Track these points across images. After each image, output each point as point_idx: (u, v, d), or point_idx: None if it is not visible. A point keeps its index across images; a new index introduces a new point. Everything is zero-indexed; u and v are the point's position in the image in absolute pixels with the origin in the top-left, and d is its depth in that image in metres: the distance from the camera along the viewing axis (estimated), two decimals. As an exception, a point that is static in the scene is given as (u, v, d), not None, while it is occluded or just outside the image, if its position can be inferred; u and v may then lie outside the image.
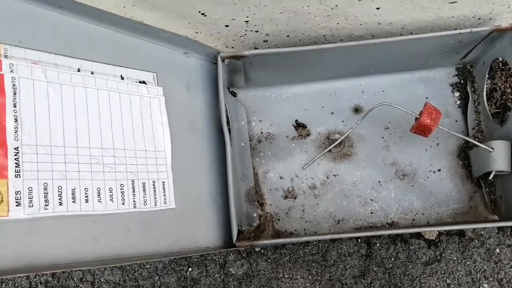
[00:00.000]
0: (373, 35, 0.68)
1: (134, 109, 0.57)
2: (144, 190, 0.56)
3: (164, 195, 0.58)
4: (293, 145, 0.76)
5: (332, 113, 0.77)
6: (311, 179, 0.75)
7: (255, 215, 0.74)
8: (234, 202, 0.64)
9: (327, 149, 0.74)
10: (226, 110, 0.68)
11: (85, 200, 0.50)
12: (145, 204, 0.55)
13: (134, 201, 0.54)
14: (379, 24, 0.64)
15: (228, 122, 0.68)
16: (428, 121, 0.64)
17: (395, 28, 0.66)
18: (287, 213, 0.75)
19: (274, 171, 0.76)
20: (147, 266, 0.72)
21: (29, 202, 0.46)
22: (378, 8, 0.60)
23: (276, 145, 0.76)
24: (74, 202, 0.49)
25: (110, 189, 0.52)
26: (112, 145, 0.54)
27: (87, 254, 0.50)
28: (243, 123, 0.76)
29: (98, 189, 0.51)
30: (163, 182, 0.58)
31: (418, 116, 0.65)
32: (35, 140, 0.47)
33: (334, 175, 0.75)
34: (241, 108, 0.77)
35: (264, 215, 0.75)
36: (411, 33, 0.68)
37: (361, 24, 0.64)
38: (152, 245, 0.55)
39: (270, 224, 0.75)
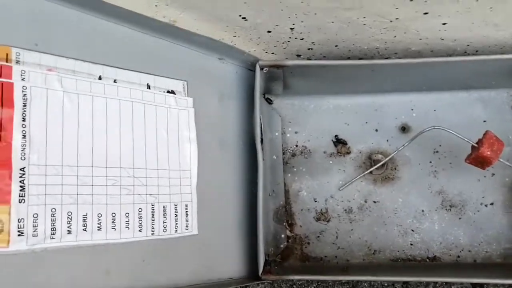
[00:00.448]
0: (432, 51, 0.60)
1: (160, 122, 0.51)
2: (165, 215, 0.50)
3: (187, 220, 0.52)
4: (331, 162, 0.69)
5: (377, 130, 0.69)
6: (347, 202, 0.68)
7: (283, 236, 0.68)
8: (263, 228, 0.58)
9: (368, 171, 0.67)
10: (261, 122, 0.61)
11: (98, 227, 0.44)
12: (165, 230, 0.50)
13: (152, 228, 0.49)
14: (442, 40, 0.56)
15: (261, 132, 0.61)
16: (488, 153, 0.56)
17: (460, 45, 0.58)
18: (318, 236, 0.68)
19: (307, 189, 0.69)
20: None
21: (33, 231, 0.40)
22: (444, 24, 0.52)
23: (312, 161, 0.69)
24: (85, 230, 0.44)
25: (127, 215, 0.47)
26: (132, 164, 0.48)
27: (96, 289, 0.44)
28: (277, 134, 0.70)
29: (113, 215, 0.46)
30: (186, 206, 0.52)
31: (476, 145, 0.57)
32: (44, 159, 0.42)
33: (374, 201, 0.68)
34: (276, 117, 0.70)
35: (292, 237, 0.68)
36: (477, 51, 0.59)
37: (421, 39, 0.56)
38: (169, 277, 0.50)
39: (298, 247, 0.69)
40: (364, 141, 0.69)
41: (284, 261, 0.67)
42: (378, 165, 0.66)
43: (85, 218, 0.44)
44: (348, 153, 0.69)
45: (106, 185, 0.46)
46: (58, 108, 0.43)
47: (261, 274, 0.56)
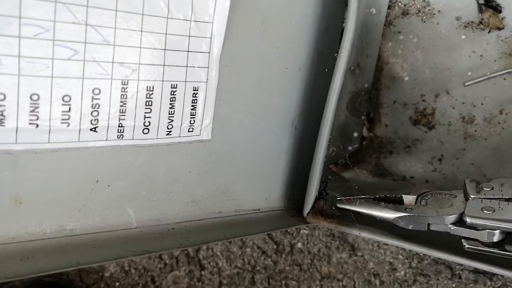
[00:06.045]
0: None
1: None
2: (149, 103, 0.26)
3: (192, 115, 0.28)
4: (463, 37, 0.42)
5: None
6: (471, 106, 0.43)
7: (356, 134, 0.45)
8: (328, 130, 0.35)
9: (524, 66, 0.40)
10: None
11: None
12: (147, 131, 0.27)
13: (120, 126, 0.26)
14: None
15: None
16: None
17: None
18: (409, 147, 0.45)
19: (412, 73, 0.43)
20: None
21: None
22: None
23: (433, 28, 0.42)
24: None
25: (67, 100, 0.24)
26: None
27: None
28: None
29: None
30: (194, 89, 0.28)
31: None
32: None
33: (517, 117, 0.42)
34: None
35: (370, 139, 0.45)
36: None
37: None
38: (157, 210, 0.29)
39: (375, 155, 0.46)
40: (534, 13, 0.40)
41: (345, 171, 0.45)
42: (546, 60, 0.38)
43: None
44: (499, 28, 0.41)
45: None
46: None
47: (307, 213, 0.34)
